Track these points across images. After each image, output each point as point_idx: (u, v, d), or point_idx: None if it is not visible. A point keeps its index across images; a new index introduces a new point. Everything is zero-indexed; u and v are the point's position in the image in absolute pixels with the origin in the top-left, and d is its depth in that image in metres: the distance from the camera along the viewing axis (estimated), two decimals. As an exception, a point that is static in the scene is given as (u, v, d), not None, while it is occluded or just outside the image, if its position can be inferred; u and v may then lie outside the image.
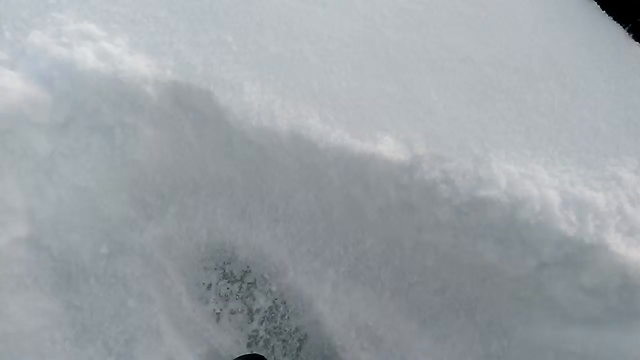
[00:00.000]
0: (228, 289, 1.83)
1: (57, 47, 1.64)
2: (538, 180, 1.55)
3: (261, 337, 1.79)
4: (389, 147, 1.61)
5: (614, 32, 2.04)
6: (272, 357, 1.77)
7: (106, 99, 1.66)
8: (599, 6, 2.13)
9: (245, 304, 1.82)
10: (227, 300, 1.82)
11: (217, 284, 1.83)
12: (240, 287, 1.83)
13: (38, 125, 1.63)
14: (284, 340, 1.79)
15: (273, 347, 1.79)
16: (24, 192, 1.64)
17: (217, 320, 1.80)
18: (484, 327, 1.74)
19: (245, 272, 1.84)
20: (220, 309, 1.81)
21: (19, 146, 1.63)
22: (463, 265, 1.71)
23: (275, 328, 1.80)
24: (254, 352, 1.76)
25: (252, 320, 1.81)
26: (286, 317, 1.81)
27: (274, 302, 1.82)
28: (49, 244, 1.69)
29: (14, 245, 1.64)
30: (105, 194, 1.74)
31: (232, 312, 1.81)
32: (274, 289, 1.83)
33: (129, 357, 1.71)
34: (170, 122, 1.72)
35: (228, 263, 1.85)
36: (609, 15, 2.10)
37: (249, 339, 1.79)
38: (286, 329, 1.80)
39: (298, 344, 1.79)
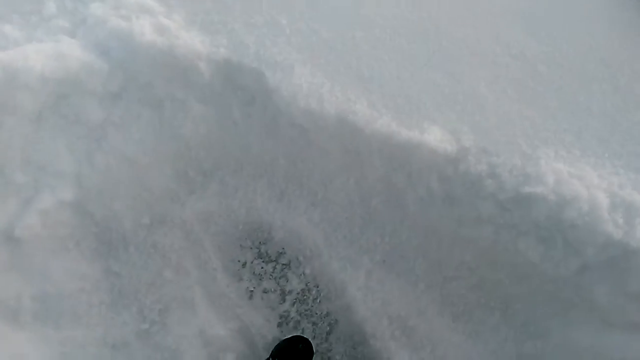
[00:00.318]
0: (262, 268, 1.84)
1: (117, 19, 1.68)
2: (587, 181, 1.52)
3: (292, 318, 1.80)
4: (435, 138, 1.60)
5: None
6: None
7: (159, 73, 1.69)
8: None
9: (278, 284, 1.83)
10: (260, 279, 1.84)
11: (251, 262, 1.85)
12: (274, 268, 1.84)
13: (92, 93, 1.67)
14: (314, 323, 1.80)
15: (303, 329, 1.80)
16: (74, 158, 1.69)
17: (250, 298, 1.81)
18: (519, 327, 1.72)
19: (280, 253, 1.86)
20: (254, 287, 1.82)
21: (73, 112, 1.67)
22: (502, 262, 1.69)
23: (306, 310, 1.81)
24: (295, 334, 1.77)
25: (284, 301, 1.82)
26: (318, 300, 1.82)
27: (306, 284, 1.83)
28: (93, 210, 1.73)
29: (60, 208, 1.69)
30: (151, 166, 1.77)
31: (265, 291, 1.82)
32: (307, 271, 1.84)
33: (162, 326, 1.74)
34: (218, 99, 1.74)
35: (264, 243, 1.86)
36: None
37: (279, 318, 1.80)
38: (317, 312, 1.81)
39: (328, 328, 1.79)
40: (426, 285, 1.77)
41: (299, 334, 1.78)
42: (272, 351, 1.69)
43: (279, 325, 1.81)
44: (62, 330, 1.67)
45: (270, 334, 1.79)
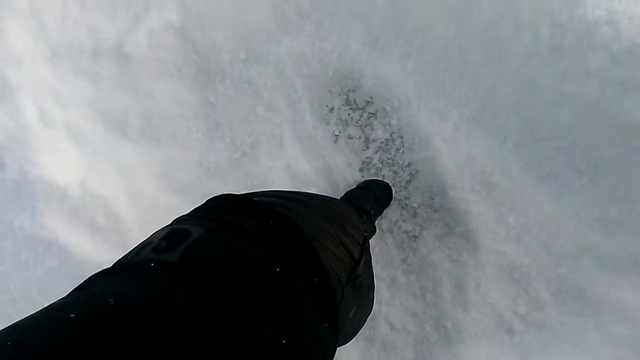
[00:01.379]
0: (349, 115, 1.88)
1: None
2: None
3: (373, 165, 1.86)
4: (556, -24, 1.50)
5: None
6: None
7: None
8: None
9: (363, 131, 1.87)
10: (346, 125, 1.88)
11: (339, 108, 1.88)
12: (361, 116, 1.87)
13: None
14: (395, 172, 1.85)
15: (383, 176, 1.85)
16: (181, -20, 1.72)
17: (335, 141, 1.87)
18: (606, 191, 1.68)
19: (368, 102, 1.87)
20: (339, 132, 1.87)
21: None
22: (602, 123, 1.63)
23: (388, 159, 1.85)
24: (376, 178, 1.83)
25: (368, 148, 1.87)
26: (401, 150, 1.85)
27: (391, 135, 1.86)
28: (194, 37, 1.79)
29: (165, 30, 1.76)
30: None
31: (350, 137, 1.87)
32: (393, 122, 1.85)
33: (252, 157, 1.84)
34: None
35: (353, 91, 1.88)
36: None
37: (361, 164, 1.86)
38: (399, 161, 1.85)
39: (408, 177, 1.84)
40: (514, 143, 1.75)
41: (379, 179, 1.84)
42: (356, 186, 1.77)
43: (360, 170, 1.87)
44: (162, 148, 1.81)
45: (351, 177, 1.86)
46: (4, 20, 1.60)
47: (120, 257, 0.63)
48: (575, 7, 1.51)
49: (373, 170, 1.85)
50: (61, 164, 1.67)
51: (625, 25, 1.49)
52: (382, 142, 1.86)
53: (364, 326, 1.22)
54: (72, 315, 0.42)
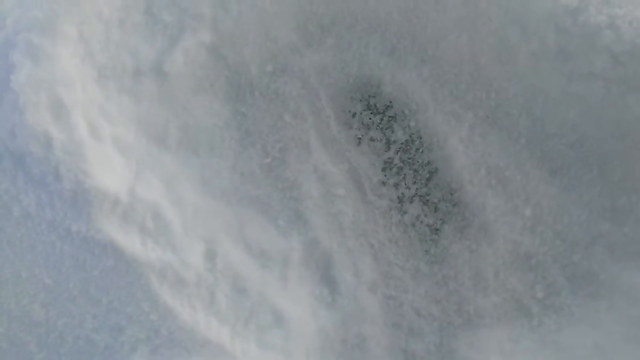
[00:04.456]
0: (370, 119, 2.01)
1: None
2: None
3: (395, 165, 1.99)
4: (559, -15, 1.63)
5: None
6: (404, 182, 1.97)
7: None
8: None
9: (384, 134, 2.01)
10: (368, 129, 2.02)
11: (360, 113, 2.02)
12: (382, 119, 2.01)
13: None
14: (415, 170, 1.98)
15: (405, 175, 1.99)
16: (212, 2, 1.87)
17: (358, 144, 2.01)
18: (615, 183, 1.80)
19: (388, 106, 2.01)
20: (362, 135, 2.01)
21: (213, -41, 1.84)
22: (607, 119, 1.75)
23: (409, 159, 1.99)
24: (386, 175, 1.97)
25: (389, 149, 2.00)
26: (420, 150, 1.98)
27: (410, 136, 1.99)
28: (225, 54, 1.95)
29: (199, 49, 1.91)
30: (277, 17, 1.93)
31: (372, 140, 2.01)
32: (412, 124, 1.99)
33: (282, 162, 1.98)
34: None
35: (373, 96, 2.02)
36: None
37: (384, 164, 2.00)
38: (419, 160, 1.98)
39: (428, 175, 1.97)
40: (527, 140, 1.87)
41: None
42: None
43: (383, 169, 2.00)
44: (200, 157, 1.96)
45: (375, 176, 2.00)
46: (57, 47, 1.77)
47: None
48: (578, 13, 1.64)
49: (395, 169, 1.99)
50: (111, 173, 1.83)
51: (626, 28, 1.61)
52: (402, 143, 1.99)
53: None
54: None
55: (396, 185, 1.94)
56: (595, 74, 1.70)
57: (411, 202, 1.93)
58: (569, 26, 1.66)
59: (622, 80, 1.67)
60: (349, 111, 2.02)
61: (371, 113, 2.01)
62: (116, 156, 1.80)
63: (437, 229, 1.91)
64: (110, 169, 1.76)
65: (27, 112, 1.67)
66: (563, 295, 1.75)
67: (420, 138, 1.98)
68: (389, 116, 2.00)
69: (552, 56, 1.74)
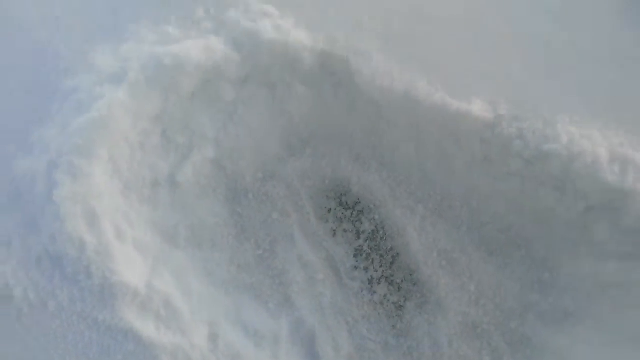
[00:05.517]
0: (342, 213, 2.46)
1: (247, 21, 2.33)
2: (593, 140, 2.03)
3: (364, 251, 2.41)
4: (478, 108, 2.16)
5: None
6: (372, 266, 2.38)
7: (274, 61, 2.33)
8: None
9: (354, 225, 2.44)
10: (341, 222, 2.45)
11: (335, 209, 2.47)
12: (352, 213, 2.46)
13: (228, 78, 2.34)
14: (381, 256, 2.39)
15: (373, 259, 2.39)
16: (214, 126, 2.38)
17: (334, 235, 2.44)
18: (539, 261, 2.23)
19: (356, 202, 2.46)
20: (336, 228, 2.45)
21: (214, 92, 2.36)
22: (526, 209, 2.22)
23: (375, 246, 2.41)
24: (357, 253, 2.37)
25: (359, 238, 2.43)
26: (384, 238, 2.41)
27: (375, 226, 2.43)
28: (225, 165, 2.42)
29: (204, 163, 2.38)
30: (265, 134, 2.44)
31: (345, 231, 2.44)
32: (376, 217, 2.43)
33: (272, 253, 2.39)
34: (315, 82, 2.38)
35: (344, 194, 2.48)
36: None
37: (355, 251, 2.41)
38: (384, 247, 2.40)
39: (391, 259, 2.38)
40: (467, 227, 2.32)
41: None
42: None
43: (355, 256, 2.41)
44: (204, 252, 2.36)
45: (348, 261, 2.41)
46: (92, 167, 2.22)
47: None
48: (494, 127, 2.16)
49: (364, 255, 2.41)
50: (132, 269, 2.20)
51: (530, 137, 2.12)
52: (369, 233, 2.43)
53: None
54: None
55: (366, 269, 2.36)
56: (513, 174, 2.19)
57: (379, 283, 2.33)
58: (489, 137, 2.18)
59: (533, 177, 2.16)
60: (325, 207, 2.47)
61: (343, 208, 2.47)
62: (136, 255, 2.19)
63: (401, 306, 2.29)
64: (131, 266, 2.15)
65: (66, 221, 2.08)
66: (505, 359, 2.11)
67: (384, 228, 2.42)
68: (358, 211, 2.46)
69: (479, 162, 2.24)
